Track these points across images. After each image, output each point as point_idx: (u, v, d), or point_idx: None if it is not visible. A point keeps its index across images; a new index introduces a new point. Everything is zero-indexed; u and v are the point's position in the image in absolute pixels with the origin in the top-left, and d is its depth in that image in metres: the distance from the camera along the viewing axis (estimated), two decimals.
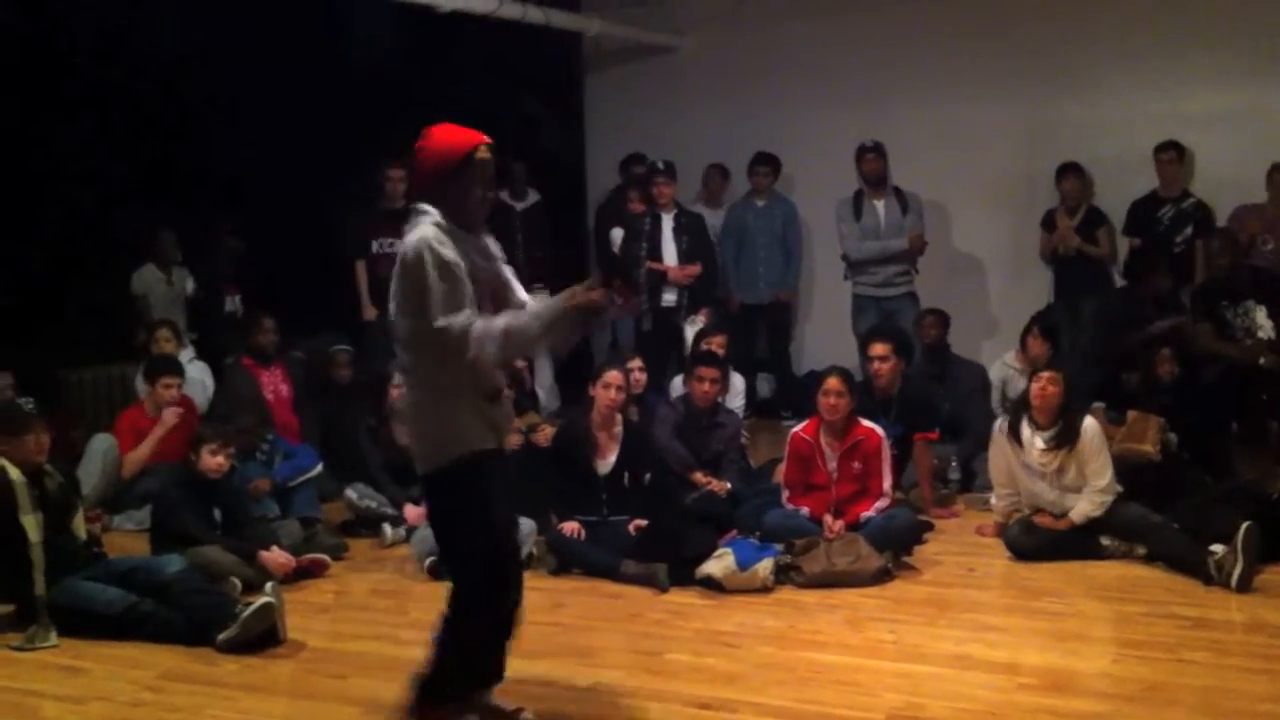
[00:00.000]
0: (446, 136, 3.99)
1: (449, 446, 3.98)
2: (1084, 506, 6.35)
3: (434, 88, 9.65)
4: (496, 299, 4.06)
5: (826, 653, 5.12)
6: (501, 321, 3.84)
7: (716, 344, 8.02)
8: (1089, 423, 6.49)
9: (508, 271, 4.19)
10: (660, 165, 9.53)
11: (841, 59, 10.46)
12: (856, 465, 6.51)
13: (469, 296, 3.85)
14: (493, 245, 4.15)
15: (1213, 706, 4.45)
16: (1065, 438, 6.41)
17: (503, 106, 9.98)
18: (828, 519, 6.36)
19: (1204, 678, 4.75)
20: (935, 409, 7.69)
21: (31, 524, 5.35)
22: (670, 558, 6.01)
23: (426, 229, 3.90)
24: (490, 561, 4.04)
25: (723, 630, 5.40)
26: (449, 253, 3.84)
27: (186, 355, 8.56)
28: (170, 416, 7.54)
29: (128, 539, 6.82)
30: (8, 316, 7.85)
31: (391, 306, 3.97)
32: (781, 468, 6.86)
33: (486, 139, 4.02)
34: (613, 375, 6.63)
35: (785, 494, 6.63)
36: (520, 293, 4.19)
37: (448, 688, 4.17)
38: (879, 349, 7.51)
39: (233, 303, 9.35)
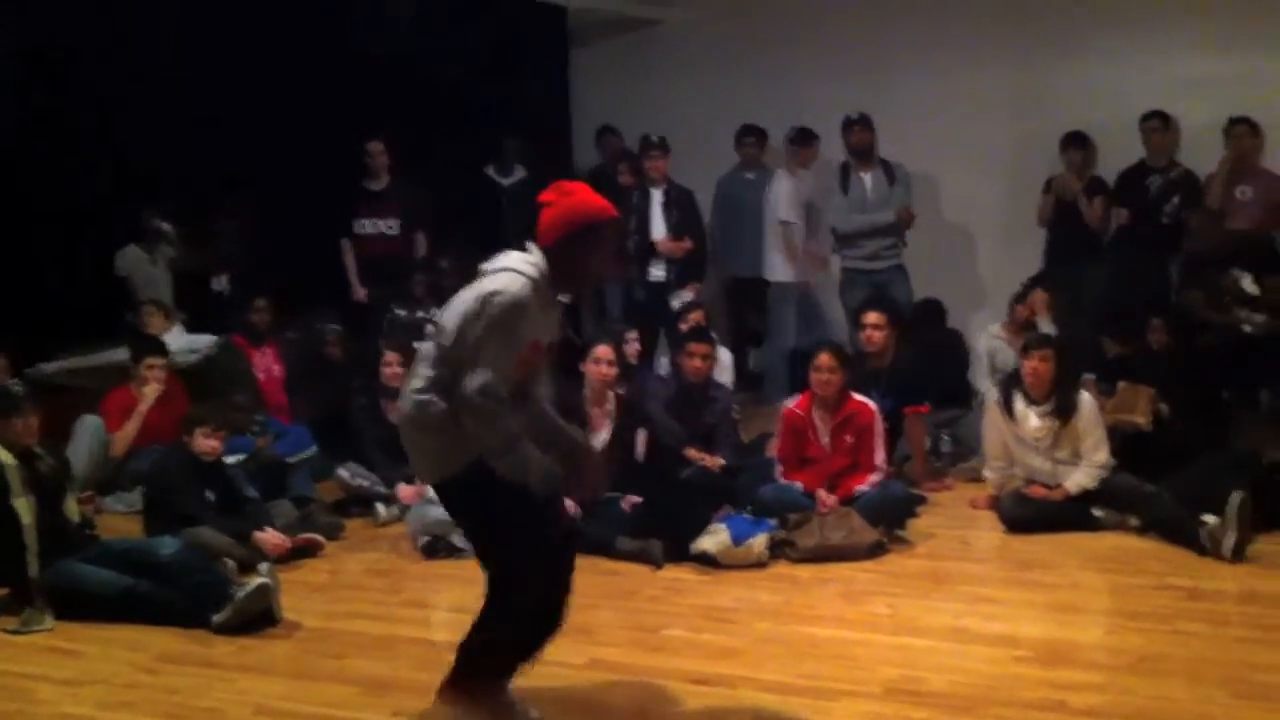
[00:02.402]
0: (587, 198, 3.99)
1: (464, 454, 3.86)
2: (1079, 478, 6.38)
3: (417, 62, 9.59)
4: (539, 368, 4.06)
5: (823, 627, 5.14)
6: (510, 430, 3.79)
7: (695, 319, 8.00)
8: (1085, 397, 6.52)
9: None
10: (654, 139, 9.49)
11: (827, 31, 10.42)
12: (849, 439, 6.52)
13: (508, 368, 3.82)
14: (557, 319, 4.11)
15: (1208, 676, 4.47)
16: (1061, 411, 6.44)
17: (486, 81, 9.92)
18: (821, 493, 6.36)
19: (1199, 648, 4.77)
20: (926, 382, 7.69)
21: (24, 506, 5.31)
22: (666, 534, 6.01)
23: (520, 285, 3.81)
24: (529, 555, 3.94)
25: (719, 606, 5.41)
26: (518, 328, 3.79)
27: (178, 331, 8.51)
28: (151, 392, 7.50)
29: (120, 520, 6.80)
30: None
31: (449, 318, 3.86)
32: (774, 442, 6.86)
33: (616, 215, 4.09)
34: (602, 350, 6.62)
35: (779, 469, 6.63)
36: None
37: (482, 665, 4.09)
38: (873, 317, 7.51)
39: (220, 282, 9.29)
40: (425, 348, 3.97)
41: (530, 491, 3.83)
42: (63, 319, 8.16)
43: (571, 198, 3.97)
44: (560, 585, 4.06)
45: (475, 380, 3.72)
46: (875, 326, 7.45)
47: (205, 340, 8.41)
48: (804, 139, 9.81)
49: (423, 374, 3.91)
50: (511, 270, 3.85)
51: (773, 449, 6.85)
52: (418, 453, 3.99)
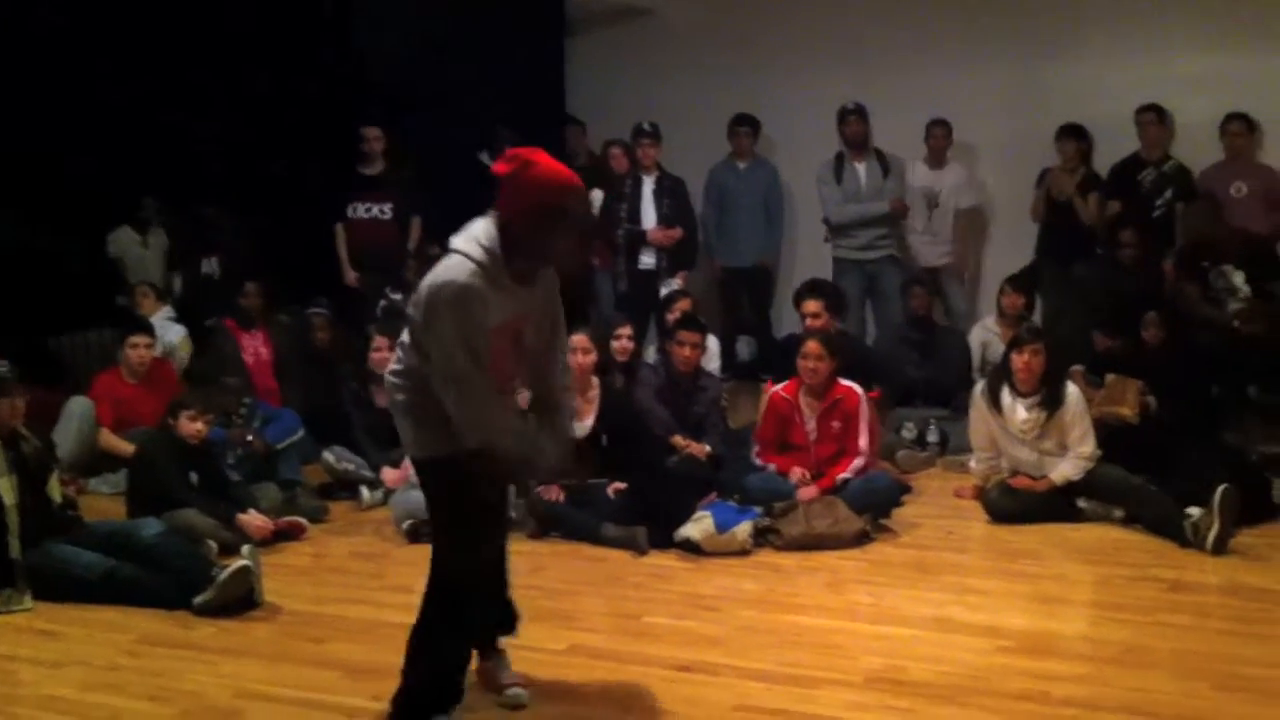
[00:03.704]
0: (547, 170, 3.71)
1: (444, 442, 3.81)
2: (1065, 469, 6.38)
3: (414, 52, 9.57)
4: (520, 343, 3.91)
5: (806, 615, 5.13)
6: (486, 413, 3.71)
7: (682, 307, 7.96)
8: (1071, 389, 6.51)
9: (548, 321, 4.01)
10: (646, 127, 9.47)
11: (824, 21, 10.39)
12: (836, 425, 6.53)
13: (478, 356, 3.66)
14: (541, 291, 3.92)
15: (1190, 668, 4.47)
16: (1048, 404, 6.43)
17: (481, 68, 9.89)
18: (796, 470, 6.40)
19: (1182, 640, 4.77)
20: (873, 367, 7.68)
21: (6, 487, 5.30)
22: (651, 521, 6.00)
23: (467, 271, 3.64)
24: (469, 553, 3.94)
25: (703, 593, 5.41)
26: (472, 313, 3.61)
27: (164, 314, 8.50)
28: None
29: (103, 502, 6.80)
30: None
31: (414, 307, 3.77)
32: (757, 423, 6.86)
33: (581, 185, 3.81)
34: (577, 339, 6.57)
35: (755, 449, 6.65)
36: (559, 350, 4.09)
37: (426, 699, 3.98)
38: (811, 306, 7.48)
39: (210, 265, 9.28)
40: (404, 334, 3.93)
41: (482, 499, 3.84)
42: (55, 299, 8.14)
43: (532, 170, 3.69)
44: (487, 578, 4.08)
45: (442, 369, 3.66)
46: (813, 315, 7.41)
47: (175, 333, 8.40)
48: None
49: (398, 360, 3.91)
50: (459, 253, 3.69)
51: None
52: (400, 430, 3.98)
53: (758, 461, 6.60)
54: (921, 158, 9.76)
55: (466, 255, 3.68)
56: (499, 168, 3.74)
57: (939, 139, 9.70)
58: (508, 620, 4.38)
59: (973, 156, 9.96)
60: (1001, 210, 10.00)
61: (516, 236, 3.71)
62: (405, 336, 3.89)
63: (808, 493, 6.29)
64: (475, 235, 3.73)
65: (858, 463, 6.46)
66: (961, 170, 9.79)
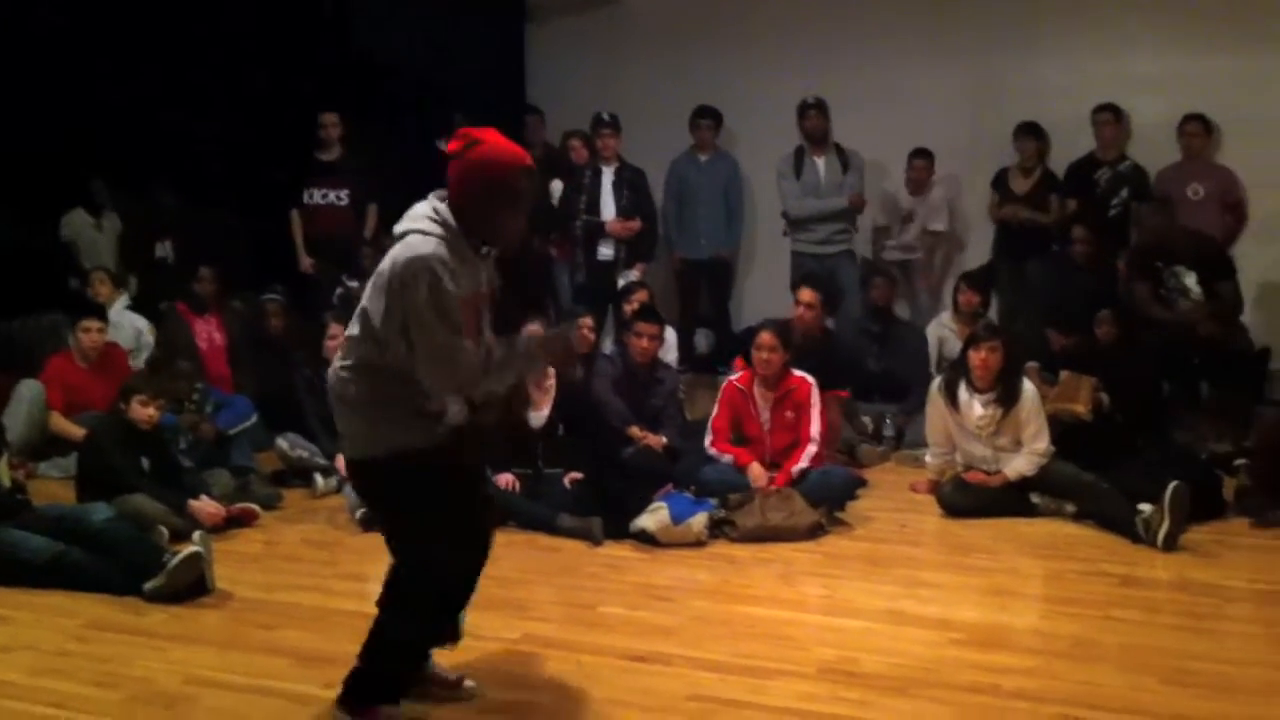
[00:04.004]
0: (496, 149, 3.66)
1: (383, 439, 3.74)
2: (1019, 465, 6.42)
3: (373, 38, 9.51)
4: (478, 319, 3.81)
5: (760, 607, 5.14)
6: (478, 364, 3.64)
7: (640, 299, 7.96)
8: (1027, 386, 6.55)
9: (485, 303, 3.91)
10: (605, 117, 9.45)
11: (787, 15, 10.40)
12: (789, 414, 6.56)
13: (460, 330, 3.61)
14: (488, 271, 3.85)
15: (1139, 663, 4.50)
16: (1004, 400, 6.46)
17: (441, 56, 9.85)
18: (754, 467, 6.42)
19: (1131, 635, 4.80)
20: (851, 370, 7.72)
21: None
22: (607, 512, 6.00)
23: (432, 245, 3.57)
24: (437, 549, 3.83)
25: (657, 584, 5.41)
26: (444, 284, 3.53)
27: (122, 302, 8.42)
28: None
29: (53, 486, 6.73)
30: None
31: (371, 297, 3.67)
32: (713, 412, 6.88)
33: (530, 163, 3.75)
34: (531, 329, 6.59)
35: (710, 437, 6.66)
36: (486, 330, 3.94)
37: (380, 688, 3.93)
38: (807, 295, 7.51)
39: (163, 249, 9.19)
40: (352, 327, 3.78)
41: (447, 485, 3.75)
42: (6, 282, 8.05)
43: (480, 148, 3.65)
44: (467, 577, 4.02)
45: (425, 348, 3.57)
46: (807, 305, 7.44)
47: (139, 323, 8.34)
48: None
49: (348, 353, 3.77)
50: (417, 232, 3.62)
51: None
52: (342, 426, 3.86)
53: (712, 451, 6.61)
54: (903, 183, 9.81)
55: (424, 232, 3.62)
56: (451, 147, 3.69)
57: (919, 170, 9.70)
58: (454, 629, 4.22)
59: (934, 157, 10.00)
60: (957, 208, 10.03)
61: (467, 215, 3.67)
62: (355, 329, 3.75)
63: (761, 481, 6.32)
64: (425, 213, 3.68)
65: (811, 450, 6.49)
66: (940, 195, 9.80)
